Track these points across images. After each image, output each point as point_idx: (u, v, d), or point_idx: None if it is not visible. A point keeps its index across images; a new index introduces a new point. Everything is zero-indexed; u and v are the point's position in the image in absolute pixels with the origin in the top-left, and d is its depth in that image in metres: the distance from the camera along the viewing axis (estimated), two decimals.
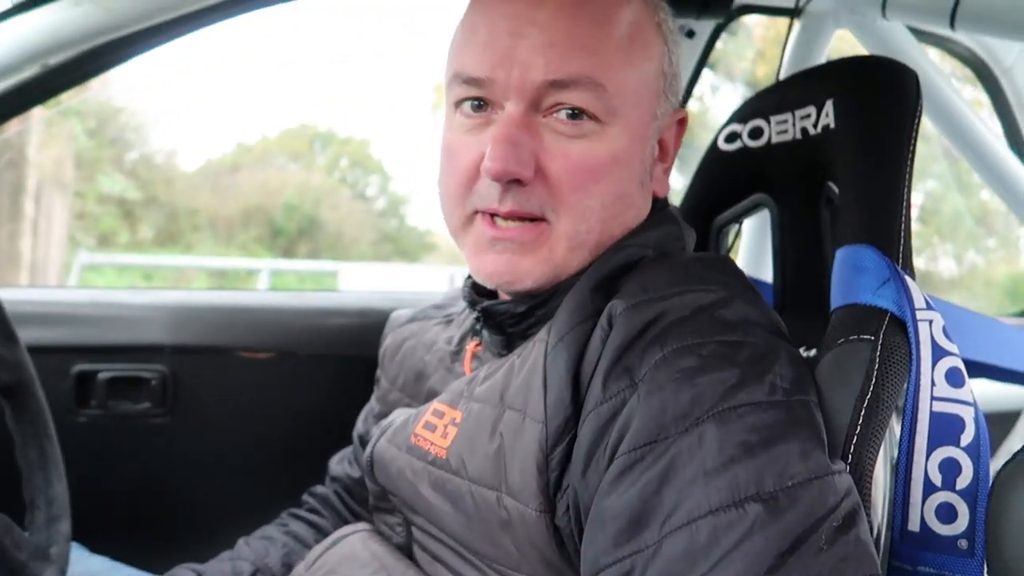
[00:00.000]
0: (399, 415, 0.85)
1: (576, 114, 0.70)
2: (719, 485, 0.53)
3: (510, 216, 0.71)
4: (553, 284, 0.74)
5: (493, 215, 0.72)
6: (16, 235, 5.91)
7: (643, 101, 0.74)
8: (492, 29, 0.70)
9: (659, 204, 0.81)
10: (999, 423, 1.69)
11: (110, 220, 9.86)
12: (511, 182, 0.69)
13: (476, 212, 0.73)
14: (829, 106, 0.87)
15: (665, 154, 0.80)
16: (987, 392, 1.54)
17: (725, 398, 0.57)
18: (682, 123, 0.81)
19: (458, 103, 0.74)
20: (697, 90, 1.46)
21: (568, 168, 0.70)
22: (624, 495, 0.56)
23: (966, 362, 0.66)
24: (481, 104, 0.72)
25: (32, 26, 0.98)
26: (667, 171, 0.81)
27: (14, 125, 1.18)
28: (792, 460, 0.55)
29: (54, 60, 1.03)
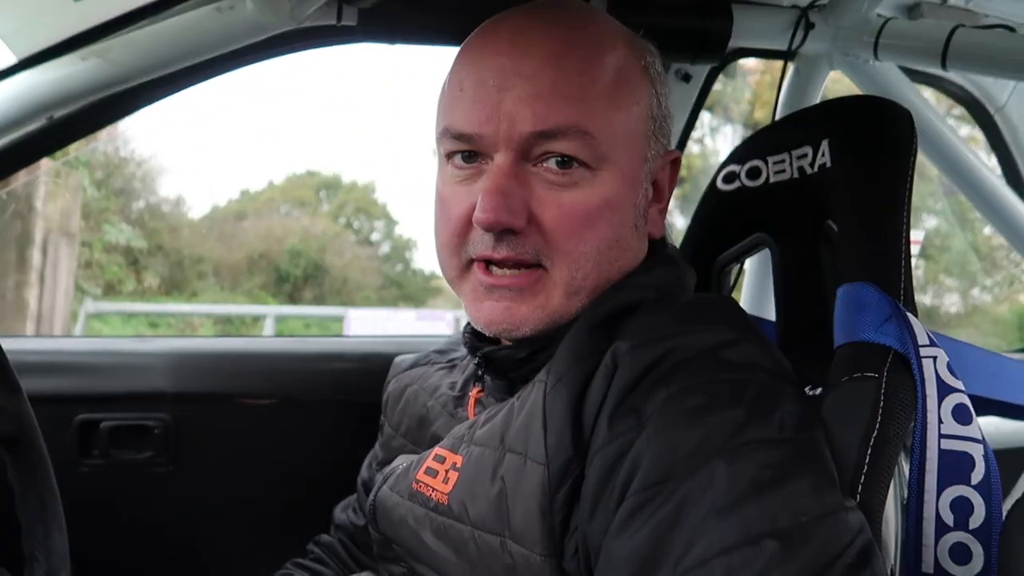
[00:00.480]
0: (402, 461, 0.84)
1: (566, 162, 0.70)
2: (732, 523, 0.53)
3: (505, 263, 0.72)
4: (551, 329, 0.74)
5: (488, 262, 0.73)
6: (22, 285, 5.94)
7: (632, 145, 0.74)
8: (479, 83, 0.71)
9: (658, 245, 0.82)
10: (1012, 460, 1.66)
11: (116, 269, 9.92)
12: (504, 231, 0.70)
13: (472, 261, 0.74)
14: (825, 146, 0.88)
15: (660, 195, 0.81)
16: (999, 428, 1.53)
17: (734, 436, 0.57)
18: (675, 163, 0.82)
19: (449, 155, 0.75)
20: (697, 133, 1.48)
21: (561, 216, 0.70)
22: (635, 537, 0.56)
23: (973, 398, 0.65)
24: (472, 155, 0.73)
25: (39, 80, 1.00)
26: (663, 212, 0.81)
27: (22, 177, 1.20)
28: (804, 497, 0.54)
29: (60, 113, 1.05)
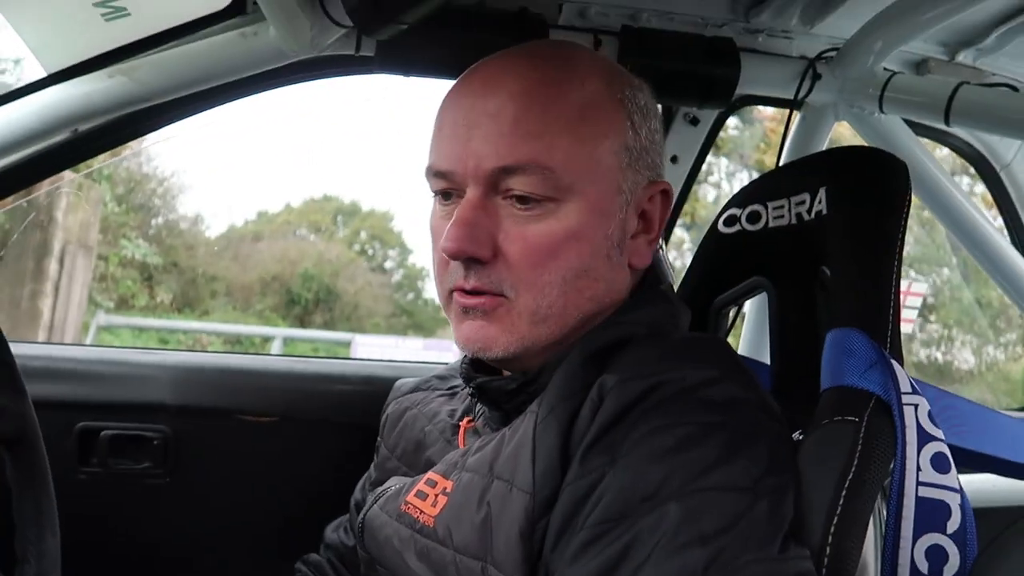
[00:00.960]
0: (395, 483, 0.86)
1: (525, 198, 0.73)
2: (669, 569, 0.55)
3: (475, 292, 0.75)
4: (525, 354, 0.76)
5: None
6: (37, 295, 6.00)
7: (602, 176, 0.76)
8: (453, 123, 0.75)
9: (650, 280, 0.83)
10: (1009, 518, 1.64)
11: (130, 283, 9.99)
12: (471, 261, 0.73)
13: (454, 288, 0.77)
14: (822, 193, 0.89)
15: (649, 226, 0.82)
16: (995, 485, 1.51)
17: (693, 481, 0.59)
18: (666, 195, 0.83)
19: (435, 191, 0.79)
20: (714, 178, 1.51)
21: (526, 249, 0.73)
22: (587, 566, 0.58)
23: (969, 452, 0.66)
24: (450, 195, 0.77)
25: (66, 94, 1.04)
26: (651, 242, 0.82)
27: (44, 187, 1.24)
28: (744, 547, 0.56)
29: (84, 127, 1.09)
